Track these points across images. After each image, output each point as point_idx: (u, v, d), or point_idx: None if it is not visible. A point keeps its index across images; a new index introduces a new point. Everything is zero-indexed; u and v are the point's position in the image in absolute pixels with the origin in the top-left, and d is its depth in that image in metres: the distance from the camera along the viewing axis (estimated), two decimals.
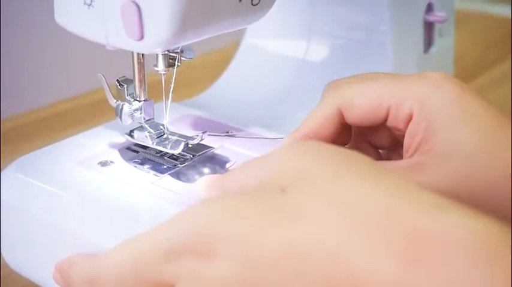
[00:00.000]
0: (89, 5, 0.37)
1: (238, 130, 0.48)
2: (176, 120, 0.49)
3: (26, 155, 0.44)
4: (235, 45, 0.59)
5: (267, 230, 0.26)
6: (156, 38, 0.36)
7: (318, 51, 0.55)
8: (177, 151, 0.43)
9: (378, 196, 0.26)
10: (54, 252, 0.39)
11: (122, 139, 0.46)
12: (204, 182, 0.37)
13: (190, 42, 0.38)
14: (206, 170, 0.43)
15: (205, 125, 0.49)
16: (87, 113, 0.77)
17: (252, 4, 0.39)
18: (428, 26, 0.56)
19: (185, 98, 0.55)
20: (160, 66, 0.42)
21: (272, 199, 0.27)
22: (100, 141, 0.46)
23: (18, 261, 0.43)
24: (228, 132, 0.48)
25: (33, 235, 0.41)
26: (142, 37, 0.36)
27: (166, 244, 0.29)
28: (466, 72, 0.83)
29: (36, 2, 0.78)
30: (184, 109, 0.52)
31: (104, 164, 0.43)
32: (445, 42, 0.58)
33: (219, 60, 0.66)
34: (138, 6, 0.35)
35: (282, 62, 0.55)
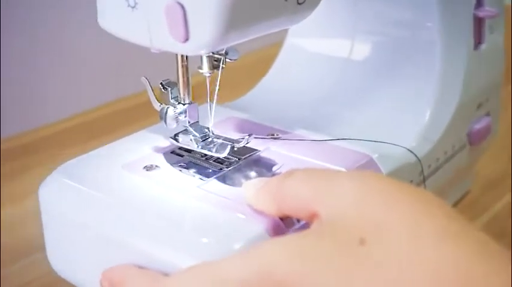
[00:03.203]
0: (133, 7, 0.37)
1: (283, 132, 0.47)
2: (220, 123, 0.48)
3: (70, 160, 0.44)
4: (277, 45, 0.58)
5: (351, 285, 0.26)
6: (202, 40, 0.35)
7: (363, 50, 0.53)
8: (222, 155, 0.42)
9: (460, 260, 0.25)
10: (100, 258, 0.39)
11: (167, 143, 0.45)
12: (252, 185, 0.36)
13: (235, 43, 0.37)
14: (253, 173, 0.42)
15: (249, 128, 0.48)
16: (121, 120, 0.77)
17: (298, 3, 0.38)
18: (478, 22, 0.54)
19: (226, 100, 0.55)
20: (205, 68, 0.41)
21: (353, 252, 0.27)
22: (144, 146, 0.45)
23: (63, 266, 0.43)
24: (273, 134, 0.47)
25: (78, 241, 0.40)
26: (187, 39, 0.35)
27: (238, 282, 0.28)
28: None
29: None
30: (228, 112, 0.51)
31: (149, 168, 0.42)
32: (495, 39, 0.56)
33: (260, 61, 0.65)
34: (183, 7, 0.34)
35: (326, 62, 0.54)
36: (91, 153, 0.45)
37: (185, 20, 0.35)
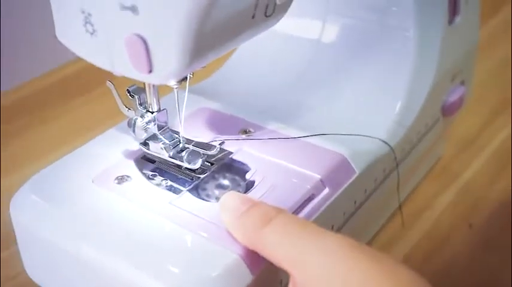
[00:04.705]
0: (91, 33, 0.35)
1: (255, 127, 0.46)
2: (191, 117, 0.47)
3: (41, 171, 0.43)
4: None
5: None
6: (166, 71, 0.34)
7: (335, 31, 0.52)
8: (194, 167, 0.41)
9: None
10: (71, 275, 0.39)
11: (137, 145, 0.44)
12: (230, 211, 0.35)
13: (202, 65, 0.36)
14: (226, 182, 0.42)
15: (221, 122, 0.47)
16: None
17: (266, 15, 0.37)
18: None
19: (195, 79, 0.53)
20: (172, 82, 0.40)
21: None
22: (115, 149, 0.44)
23: (39, 276, 0.43)
24: (245, 131, 0.46)
25: (49, 257, 0.40)
26: (150, 71, 0.33)
27: None
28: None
29: None
30: (197, 99, 0.50)
31: (120, 180, 0.42)
32: (471, 8, 0.54)
33: None
34: (143, 40, 0.33)
35: (296, 44, 0.52)
36: (59, 162, 0.44)
37: (148, 52, 0.33)
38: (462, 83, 0.57)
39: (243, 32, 0.36)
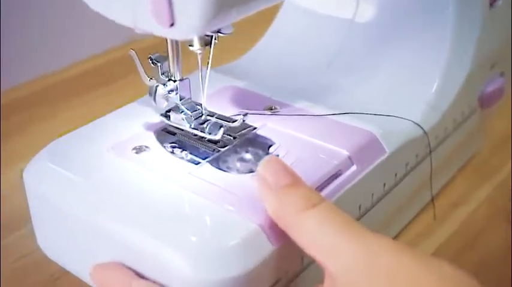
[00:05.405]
0: None
1: (281, 105, 0.44)
2: (215, 94, 0.46)
3: (57, 140, 0.42)
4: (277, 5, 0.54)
5: None
6: (188, 25, 0.32)
7: (369, 11, 0.50)
8: (216, 137, 0.39)
9: None
10: (85, 244, 0.37)
11: (158, 118, 0.43)
12: (269, 170, 0.33)
13: (226, 24, 0.34)
14: (248, 155, 0.40)
15: (246, 99, 0.45)
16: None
17: None
18: None
19: (222, 62, 0.51)
20: (196, 45, 0.38)
21: None
22: (135, 122, 0.43)
23: (51, 248, 0.41)
24: (271, 108, 0.44)
25: (63, 226, 0.38)
26: (172, 24, 0.32)
27: None
28: None
29: None
30: (224, 78, 0.48)
31: (138, 150, 0.40)
32: None
33: (257, 21, 0.61)
34: None
35: (328, 24, 0.50)
36: (78, 130, 0.42)
37: (170, 4, 0.31)
38: (502, 74, 0.54)
39: None
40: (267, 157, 0.34)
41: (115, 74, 0.75)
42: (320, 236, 0.30)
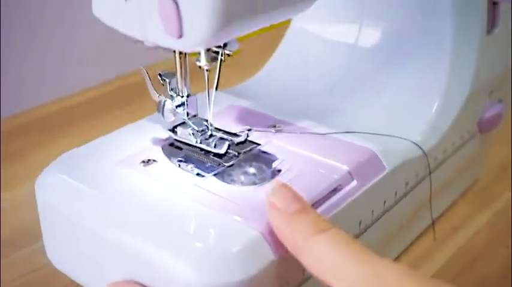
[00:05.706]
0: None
1: (285, 123, 0.46)
2: (220, 112, 0.47)
3: (68, 152, 0.43)
4: (281, 29, 0.56)
5: None
6: (196, 36, 0.34)
7: (371, 36, 0.51)
8: (221, 151, 0.41)
9: None
10: (95, 256, 0.38)
11: (166, 134, 0.44)
12: (278, 197, 0.34)
13: (234, 37, 0.36)
14: (252, 170, 0.41)
15: (250, 118, 0.47)
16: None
17: None
18: (493, 4, 0.52)
19: (229, 84, 0.53)
20: (203, 61, 0.40)
21: None
22: (143, 137, 0.44)
23: (61, 261, 0.42)
24: (274, 126, 0.45)
25: (74, 238, 0.39)
26: (181, 35, 0.33)
27: None
28: None
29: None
30: (229, 98, 0.50)
31: (146, 163, 0.41)
32: (509, 24, 0.53)
33: (263, 45, 0.63)
34: (176, 2, 0.33)
35: (331, 48, 0.52)
36: (88, 144, 0.44)
37: (179, 15, 0.33)
38: (500, 101, 0.56)
39: (277, 5, 0.36)
40: (276, 183, 0.35)
41: (110, 105, 0.78)
42: (328, 259, 0.31)
